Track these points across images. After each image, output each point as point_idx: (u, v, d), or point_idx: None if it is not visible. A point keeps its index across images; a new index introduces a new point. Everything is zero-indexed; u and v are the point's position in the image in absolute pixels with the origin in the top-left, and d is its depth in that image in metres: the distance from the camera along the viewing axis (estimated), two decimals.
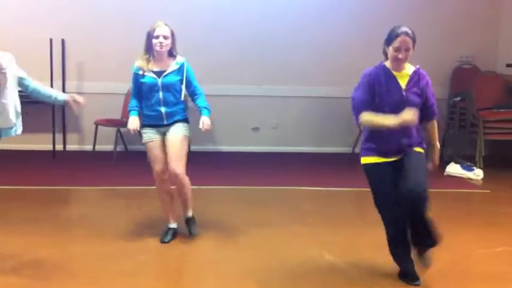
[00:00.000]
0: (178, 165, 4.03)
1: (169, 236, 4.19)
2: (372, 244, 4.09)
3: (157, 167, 4.10)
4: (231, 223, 4.67)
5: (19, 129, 3.72)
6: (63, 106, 7.06)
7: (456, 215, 5.08)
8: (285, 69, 7.31)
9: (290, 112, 7.43)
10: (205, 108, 4.21)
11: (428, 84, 3.60)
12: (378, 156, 3.50)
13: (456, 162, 6.56)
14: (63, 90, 7.06)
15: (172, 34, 4.10)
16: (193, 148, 7.22)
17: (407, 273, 3.60)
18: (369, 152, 3.53)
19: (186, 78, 4.14)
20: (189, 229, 4.25)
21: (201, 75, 7.13)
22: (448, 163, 6.61)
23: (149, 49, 4.07)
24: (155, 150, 4.10)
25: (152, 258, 3.95)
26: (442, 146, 7.33)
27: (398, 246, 3.59)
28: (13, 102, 3.66)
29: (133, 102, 4.16)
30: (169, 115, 4.09)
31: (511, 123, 6.64)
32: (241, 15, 7.22)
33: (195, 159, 6.88)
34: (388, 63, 3.52)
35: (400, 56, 3.42)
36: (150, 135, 4.12)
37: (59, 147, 7.07)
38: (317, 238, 4.21)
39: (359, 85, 3.50)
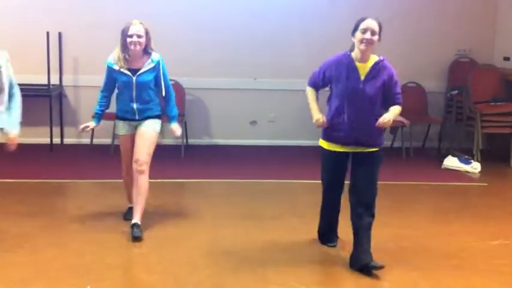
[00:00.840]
0: (143, 162, 4.13)
1: (131, 213, 4.25)
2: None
3: (126, 158, 4.27)
4: (227, 216, 4.68)
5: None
6: (61, 99, 7.09)
7: (453, 208, 5.10)
8: (282, 63, 7.30)
9: (287, 105, 7.42)
10: (174, 117, 4.34)
11: (391, 76, 3.64)
12: (336, 144, 3.71)
13: (453, 156, 6.57)
14: (60, 83, 7.07)
15: (147, 32, 4.11)
16: (190, 141, 7.24)
17: (324, 234, 4.03)
18: (328, 137, 3.75)
19: (159, 76, 4.19)
20: (132, 233, 4.07)
21: (198, 69, 7.23)
22: (445, 156, 6.63)
23: (124, 47, 4.09)
24: (127, 143, 4.25)
25: (148, 250, 3.95)
26: (439, 139, 7.42)
27: (329, 210, 3.97)
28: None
29: (101, 103, 4.31)
30: (141, 111, 4.18)
31: (508, 117, 6.65)
32: (238, 8, 7.21)
33: (191, 153, 6.91)
34: (353, 53, 3.62)
35: (366, 36, 3.50)
36: (122, 129, 4.26)
37: (57, 140, 7.06)
38: (312, 230, 4.21)
39: (322, 64, 3.76)
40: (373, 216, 3.67)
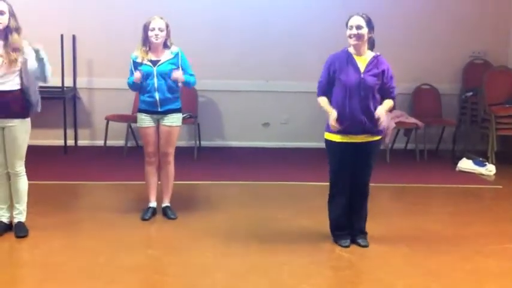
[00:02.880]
0: (170, 155, 4.52)
1: (149, 213, 4.55)
2: (381, 238, 4.09)
3: (150, 148, 4.51)
4: (240, 218, 4.68)
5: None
6: (75, 101, 7.13)
7: (468, 211, 5.06)
8: (294, 65, 7.29)
9: (300, 107, 7.41)
10: (187, 76, 4.48)
11: (386, 70, 3.91)
12: (341, 135, 3.91)
13: (468, 158, 6.52)
14: (74, 86, 7.11)
15: (167, 26, 4.39)
16: (203, 143, 7.24)
17: (338, 226, 4.06)
18: (327, 127, 3.99)
19: (181, 66, 4.45)
20: (166, 215, 4.58)
21: (210, 71, 7.23)
22: (459, 159, 6.58)
23: (145, 41, 4.37)
24: (148, 136, 4.49)
25: (161, 252, 3.96)
26: (453, 141, 7.37)
27: (337, 203, 4.03)
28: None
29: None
30: (163, 102, 4.40)
31: None
32: (251, 10, 7.21)
33: (205, 155, 6.92)
34: (350, 49, 3.91)
35: (352, 31, 3.81)
36: (145, 121, 4.46)
37: (71, 142, 7.11)
38: (328, 233, 4.20)
39: (323, 69, 3.99)
40: (367, 193, 4.03)
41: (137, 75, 4.37)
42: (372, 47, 3.95)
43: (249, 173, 6.15)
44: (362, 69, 3.86)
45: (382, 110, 3.86)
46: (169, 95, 4.41)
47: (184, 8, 7.10)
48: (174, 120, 4.47)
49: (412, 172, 6.30)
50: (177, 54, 4.43)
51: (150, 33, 4.31)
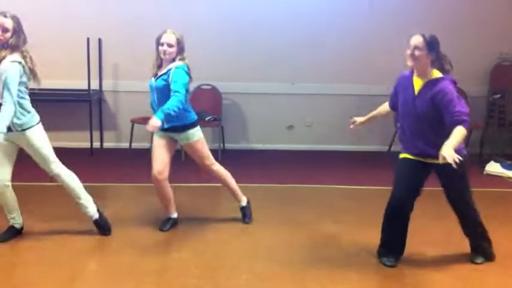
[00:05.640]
0: (208, 165, 4.44)
1: (168, 225, 4.42)
2: (409, 242, 4.04)
3: (154, 165, 4.25)
4: (265, 221, 4.67)
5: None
6: (100, 104, 7.20)
7: (496, 215, 4.97)
8: (319, 67, 7.26)
9: (324, 110, 7.38)
10: (161, 111, 3.96)
11: (440, 93, 3.53)
12: (405, 153, 3.79)
13: (496, 161, 6.42)
14: (100, 88, 7.18)
15: (179, 42, 4.15)
16: (227, 146, 7.25)
17: (384, 244, 3.85)
18: (402, 148, 3.86)
19: (170, 81, 4.09)
20: (245, 219, 4.61)
21: (234, 73, 7.24)
22: (487, 162, 6.48)
23: (157, 53, 4.23)
24: (157, 150, 4.28)
25: (186, 255, 3.97)
26: (481, 144, 7.25)
27: (389, 224, 3.80)
28: None
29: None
30: (165, 118, 3.99)
31: None
32: (275, 12, 7.20)
33: (229, 157, 6.92)
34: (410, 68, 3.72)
35: (408, 51, 3.59)
36: (159, 132, 4.24)
37: (96, 144, 7.18)
38: (354, 237, 4.17)
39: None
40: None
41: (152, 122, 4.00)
42: (440, 67, 3.62)
43: (273, 176, 6.14)
44: (416, 91, 3.64)
45: (446, 149, 3.30)
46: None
47: (209, 11, 7.12)
48: (188, 136, 4.25)
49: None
50: (169, 70, 4.11)
51: (160, 48, 4.16)
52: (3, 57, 3.74)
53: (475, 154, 7.25)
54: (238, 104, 7.39)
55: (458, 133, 3.41)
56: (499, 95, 7.04)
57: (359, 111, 3.76)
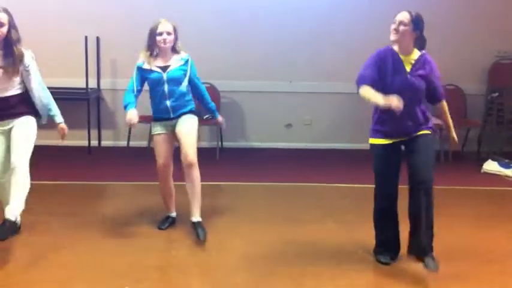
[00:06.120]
0: (192, 155, 4.13)
1: (166, 223, 4.39)
2: (407, 240, 4.04)
3: (161, 160, 4.24)
4: (263, 219, 4.67)
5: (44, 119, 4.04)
6: (98, 102, 7.20)
7: (493, 213, 4.98)
8: (317, 65, 7.26)
9: (323, 108, 7.38)
10: (216, 110, 4.51)
11: (432, 69, 3.66)
12: (384, 138, 3.67)
13: (493, 160, 6.43)
14: (98, 87, 7.17)
15: (175, 30, 4.19)
16: (225, 144, 7.25)
17: (382, 243, 3.79)
18: (376, 134, 3.71)
19: (190, 74, 4.24)
20: (196, 233, 4.15)
21: (233, 71, 7.24)
22: (485, 160, 6.49)
23: (152, 46, 4.17)
24: (161, 145, 4.25)
25: (185, 253, 3.97)
26: (478, 143, 7.26)
27: (384, 219, 3.76)
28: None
29: (131, 98, 4.22)
30: (175, 108, 4.21)
31: None
32: (272, 11, 7.19)
33: (227, 156, 6.92)
34: (394, 47, 3.63)
35: (393, 26, 3.56)
36: (158, 129, 4.26)
37: (94, 143, 7.17)
38: (353, 235, 4.17)
39: (366, 62, 3.63)
40: (429, 195, 3.56)
41: (131, 117, 4.12)
42: (420, 48, 3.64)
43: (271, 174, 6.14)
44: (408, 69, 3.57)
45: (453, 131, 3.85)
46: (181, 101, 4.22)
47: (208, 9, 7.11)
48: (188, 120, 4.21)
49: (436, 173, 6.19)
50: (187, 61, 4.22)
51: (158, 38, 4.11)
52: (21, 53, 3.79)
53: (473, 152, 7.26)
54: (237, 102, 7.39)
55: (447, 108, 3.79)
56: (497, 93, 7.05)
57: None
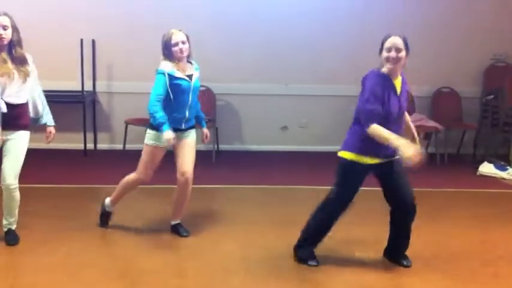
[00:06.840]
0: (191, 172, 4.16)
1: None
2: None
3: (147, 176, 4.25)
4: (259, 222, 4.67)
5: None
6: (94, 105, 7.19)
7: (489, 215, 4.99)
8: (313, 68, 7.28)
9: (319, 111, 7.39)
10: (205, 120, 4.47)
11: (408, 87, 3.69)
12: (373, 157, 3.56)
13: (489, 162, 6.45)
14: (94, 90, 7.17)
15: (188, 38, 4.07)
16: (221, 147, 7.25)
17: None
18: (362, 150, 3.55)
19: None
20: (179, 233, 4.27)
21: (228, 74, 7.24)
22: (480, 163, 6.50)
23: (170, 57, 4.03)
24: (157, 159, 4.19)
25: (180, 256, 3.97)
26: (474, 145, 7.28)
27: (327, 226, 3.85)
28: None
29: (163, 115, 3.97)
30: (189, 119, 4.15)
31: None
32: (267, 14, 7.21)
33: (223, 159, 6.92)
34: (385, 71, 3.51)
35: (391, 54, 3.44)
36: (160, 142, 4.05)
37: (90, 146, 7.16)
38: (347, 236, 4.17)
39: (370, 96, 3.45)
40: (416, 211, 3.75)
41: (169, 137, 3.91)
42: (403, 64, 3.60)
43: (267, 177, 6.14)
44: (398, 92, 3.54)
45: (417, 139, 3.83)
46: (193, 112, 4.19)
47: (203, 12, 7.12)
48: (194, 135, 4.23)
49: (432, 176, 6.23)
50: (198, 70, 4.18)
51: (174, 49, 3.97)
52: (24, 57, 3.85)
53: (469, 155, 7.28)
54: (233, 105, 7.40)
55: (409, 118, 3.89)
56: (492, 96, 7.08)
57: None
